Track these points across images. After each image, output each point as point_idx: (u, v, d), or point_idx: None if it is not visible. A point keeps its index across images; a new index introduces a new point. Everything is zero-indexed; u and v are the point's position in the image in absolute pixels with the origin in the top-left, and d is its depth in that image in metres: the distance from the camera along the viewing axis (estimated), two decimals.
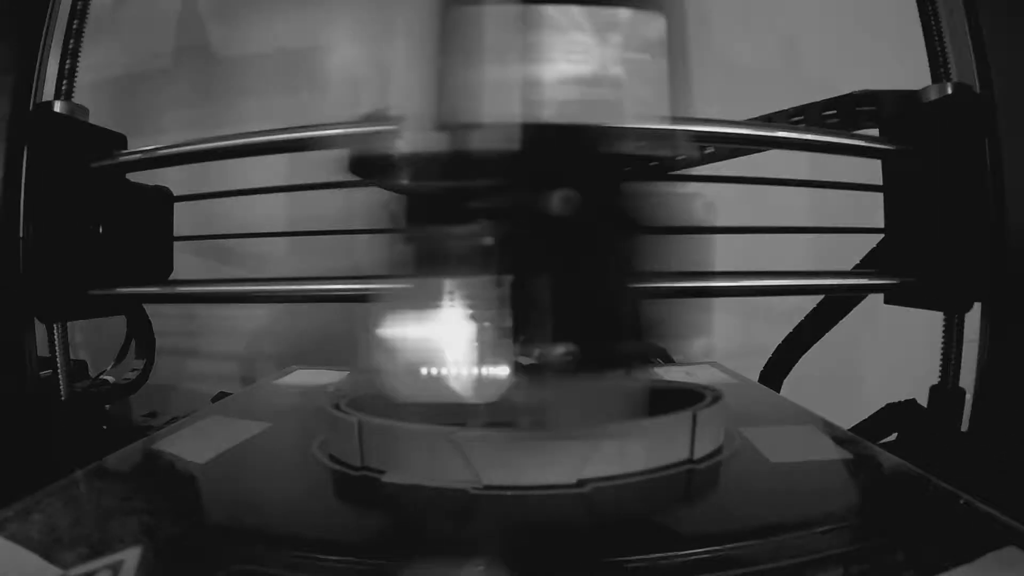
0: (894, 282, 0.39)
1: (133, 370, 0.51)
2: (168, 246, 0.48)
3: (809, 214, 0.64)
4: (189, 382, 0.79)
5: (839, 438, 0.27)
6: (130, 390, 0.50)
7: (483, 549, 0.19)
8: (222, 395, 0.49)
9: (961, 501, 0.20)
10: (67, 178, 0.38)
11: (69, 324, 0.39)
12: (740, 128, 0.36)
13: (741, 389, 0.39)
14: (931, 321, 0.39)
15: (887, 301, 0.41)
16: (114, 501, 0.22)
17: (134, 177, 0.45)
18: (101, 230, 0.41)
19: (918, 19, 0.40)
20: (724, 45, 0.70)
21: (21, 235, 0.36)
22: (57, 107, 0.39)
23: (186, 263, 0.68)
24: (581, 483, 0.22)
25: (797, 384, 0.47)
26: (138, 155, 0.40)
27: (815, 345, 0.47)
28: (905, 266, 0.39)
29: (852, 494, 0.23)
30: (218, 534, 0.20)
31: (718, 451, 0.25)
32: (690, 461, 0.24)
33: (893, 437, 0.40)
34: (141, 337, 0.52)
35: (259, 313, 0.88)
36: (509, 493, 0.21)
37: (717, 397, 0.26)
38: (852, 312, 0.45)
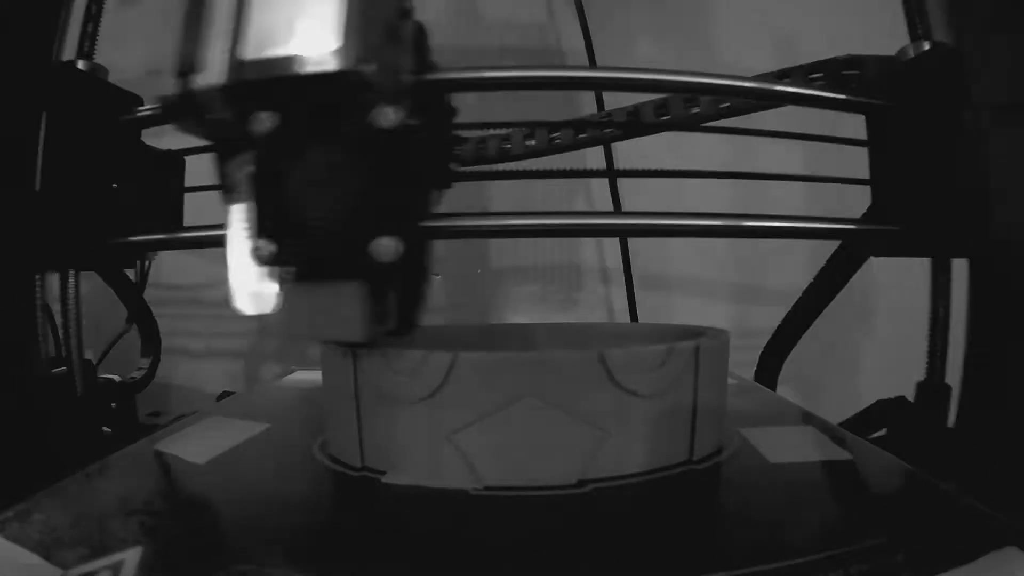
0: (880, 228, 0.39)
1: (139, 369, 0.51)
2: (179, 208, 0.48)
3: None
4: (193, 381, 0.79)
5: (839, 438, 0.27)
6: (136, 388, 0.50)
7: (483, 550, 0.19)
8: (226, 394, 0.50)
9: (961, 501, 0.20)
10: (86, 133, 0.39)
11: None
12: (734, 81, 0.35)
13: (740, 389, 0.39)
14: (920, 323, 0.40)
15: (875, 253, 0.42)
16: (114, 501, 0.22)
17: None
18: (116, 187, 0.41)
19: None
20: (722, 45, 0.70)
21: (38, 188, 0.36)
22: (80, 65, 0.40)
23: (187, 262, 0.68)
24: (581, 483, 0.22)
25: (795, 384, 0.47)
26: (151, 111, 0.40)
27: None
28: (891, 218, 0.39)
29: (852, 494, 0.23)
30: (218, 534, 0.20)
31: (717, 452, 0.25)
32: (690, 462, 0.24)
33: (883, 433, 0.40)
34: (147, 335, 0.52)
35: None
36: (509, 494, 0.22)
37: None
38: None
